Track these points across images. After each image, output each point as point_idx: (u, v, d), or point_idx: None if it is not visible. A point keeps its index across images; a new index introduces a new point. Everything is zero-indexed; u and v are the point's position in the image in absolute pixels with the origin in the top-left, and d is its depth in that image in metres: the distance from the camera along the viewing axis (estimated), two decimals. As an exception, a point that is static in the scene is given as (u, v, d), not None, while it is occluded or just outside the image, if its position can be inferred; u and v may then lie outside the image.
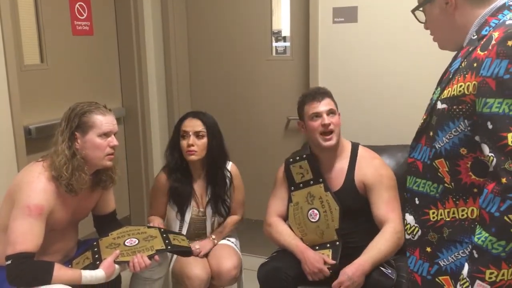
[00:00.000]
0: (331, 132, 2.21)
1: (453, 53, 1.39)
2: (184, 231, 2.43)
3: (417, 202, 1.39)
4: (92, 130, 1.97)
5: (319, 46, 2.93)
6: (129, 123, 3.39)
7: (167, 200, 2.48)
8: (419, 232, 1.38)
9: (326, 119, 2.20)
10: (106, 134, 2.00)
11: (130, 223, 3.34)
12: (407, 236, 1.42)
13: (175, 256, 2.41)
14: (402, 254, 2.34)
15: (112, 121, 2.03)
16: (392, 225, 2.13)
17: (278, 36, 3.27)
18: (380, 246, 2.09)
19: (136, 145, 3.40)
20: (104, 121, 1.99)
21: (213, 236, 2.50)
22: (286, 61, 3.22)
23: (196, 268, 2.31)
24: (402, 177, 2.27)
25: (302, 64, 3.13)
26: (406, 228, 1.42)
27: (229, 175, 2.53)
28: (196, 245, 2.41)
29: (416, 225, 1.39)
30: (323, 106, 2.23)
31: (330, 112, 2.23)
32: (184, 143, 2.39)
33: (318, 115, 2.22)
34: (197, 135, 2.39)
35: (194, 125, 2.40)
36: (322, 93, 2.27)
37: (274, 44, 3.27)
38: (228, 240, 2.57)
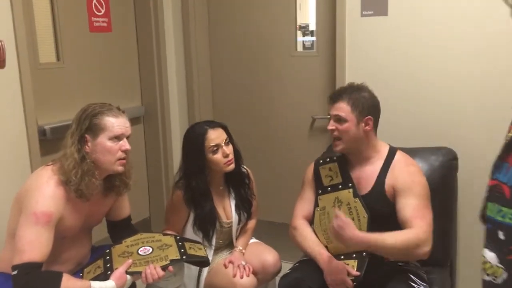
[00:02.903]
0: (338, 138, 2.09)
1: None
2: (210, 255, 2.29)
3: (501, 237, 1.18)
4: (103, 132, 1.87)
5: (346, 41, 2.78)
6: (149, 122, 3.35)
7: (186, 217, 2.33)
8: (504, 275, 1.18)
9: (330, 124, 2.10)
10: (117, 137, 1.89)
11: (149, 225, 3.31)
12: (486, 278, 1.22)
13: (205, 270, 2.30)
14: (433, 265, 2.21)
15: (125, 123, 1.93)
16: (415, 231, 1.93)
17: (305, 30, 3.14)
18: (387, 238, 1.91)
19: (156, 145, 3.36)
20: (116, 123, 1.89)
21: (240, 247, 2.39)
22: (311, 57, 3.10)
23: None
24: (434, 182, 2.19)
25: (328, 61, 3.00)
26: (485, 267, 1.22)
27: (245, 171, 2.41)
28: (228, 261, 2.29)
29: (500, 266, 1.18)
30: (334, 110, 2.10)
31: (338, 119, 2.09)
32: (218, 157, 2.20)
33: (330, 117, 2.12)
34: (226, 143, 2.23)
35: (219, 134, 2.21)
36: (338, 95, 2.12)
37: (301, 38, 3.14)
38: (253, 239, 2.51)
